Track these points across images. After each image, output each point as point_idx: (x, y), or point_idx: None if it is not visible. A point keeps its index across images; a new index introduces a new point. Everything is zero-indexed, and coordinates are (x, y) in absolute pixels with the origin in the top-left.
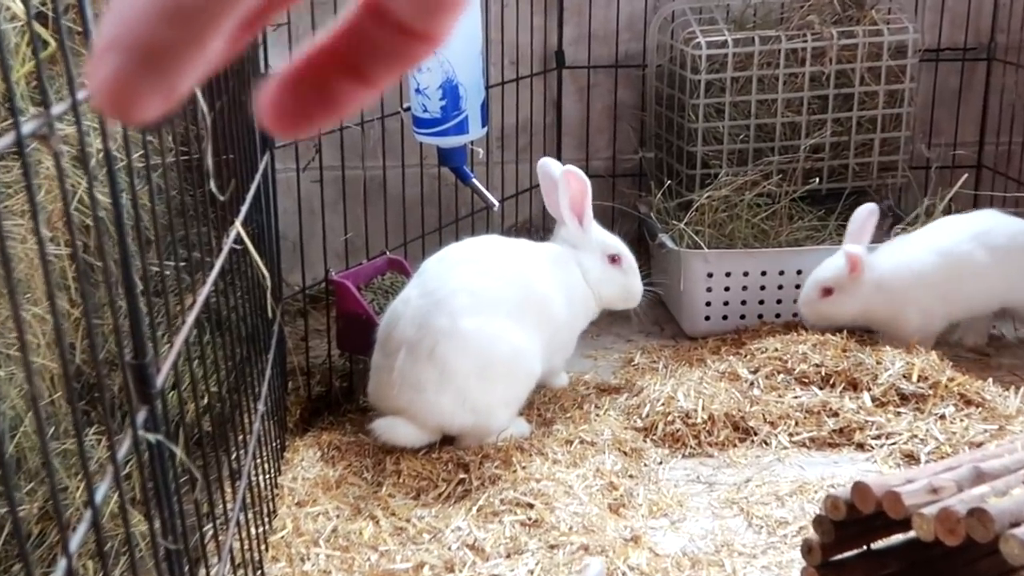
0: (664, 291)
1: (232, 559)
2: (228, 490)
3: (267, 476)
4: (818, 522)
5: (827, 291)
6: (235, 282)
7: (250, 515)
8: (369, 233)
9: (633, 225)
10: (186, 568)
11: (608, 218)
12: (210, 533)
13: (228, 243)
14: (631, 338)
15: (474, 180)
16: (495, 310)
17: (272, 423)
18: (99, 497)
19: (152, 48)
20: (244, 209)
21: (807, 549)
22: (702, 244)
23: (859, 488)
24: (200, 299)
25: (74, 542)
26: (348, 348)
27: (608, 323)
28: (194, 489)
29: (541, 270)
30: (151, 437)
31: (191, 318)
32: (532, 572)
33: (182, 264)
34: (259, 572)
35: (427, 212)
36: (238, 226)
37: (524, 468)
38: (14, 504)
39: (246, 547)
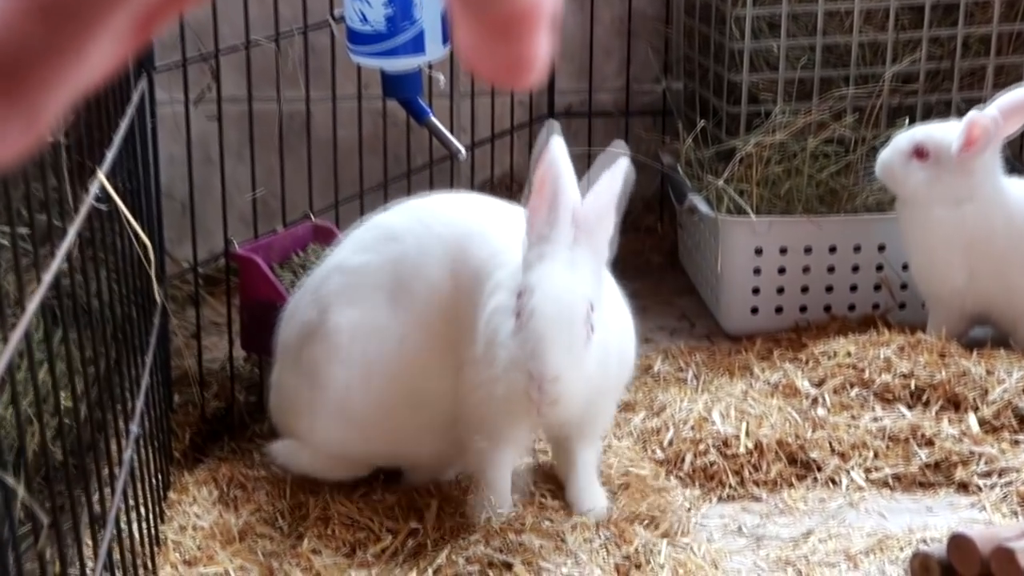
0: (696, 273)
1: None
2: (89, 542)
3: (144, 524)
4: None
5: (921, 152)
6: (99, 256)
7: None
8: (287, 190)
9: (653, 182)
10: None
11: None
12: None
13: (88, 201)
14: (649, 336)
15: (433, 118)
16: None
17: (152, 451)
18: None
19: (9, 54)
20: (111, 154)
21: None
22: (748, 209)
23: (959, 543)
24: (47, 278)
25: None
26: (256, 348)
27: None
28: (38, 541)
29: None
30: None
31: (33, 304)
32: None
33: (23, 231)
34: None
35: (368, 162)
36: (102, 177)
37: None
38: None
39: None
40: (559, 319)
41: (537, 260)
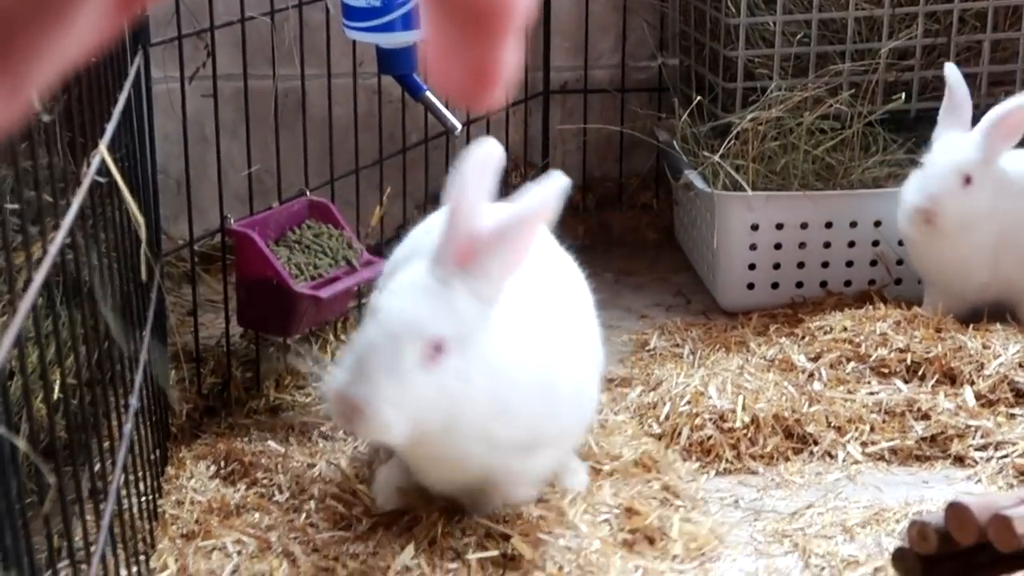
0: (692, 249)
1: None
2: (89, 518)
3: (142, 498)
4: (900, 558)
5: (968, 179)
6: (97, 233)
7: (119, 551)
8: (282, 167)
9: (649, 158)
10: None
11: (615, 148)
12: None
13: (89, 174)
14: (645, 313)
15: (429, 94)
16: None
17: (149, 426)
18: None
19: None
20: (110, 129)
21: None
22: (745, 184)
23: (956, 511)
24: (53, 249)
25: None
26: (253, 324)
27: (614, 293)
28: (43, 505)
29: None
30: None
31: (39, 277)
32: None
33: (16, 208)
34: None
35: (363, 139)
36: (103, 151)
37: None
38: None
39: None
40: (369, 342)
41: (398, 279)
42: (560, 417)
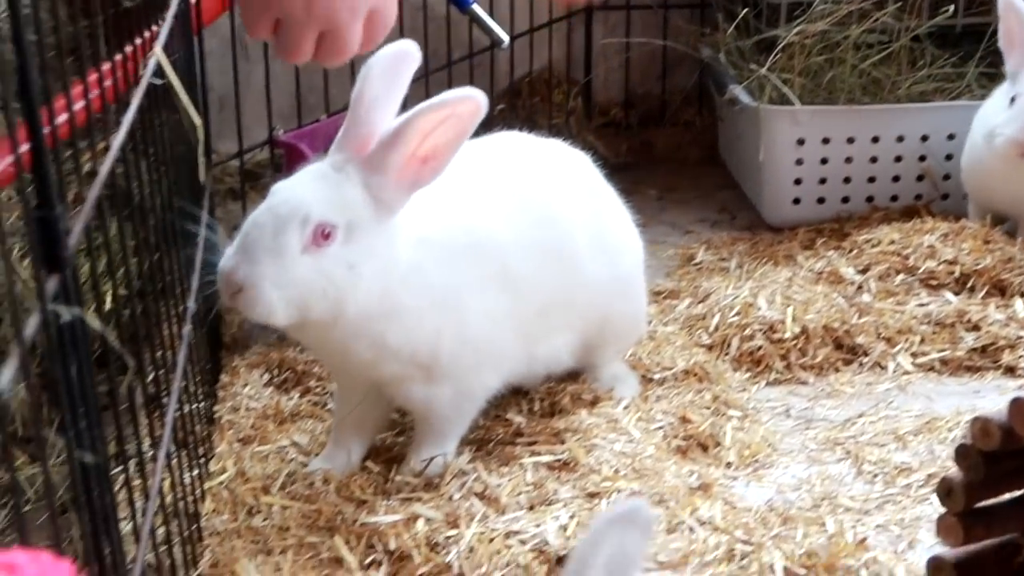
0: (736, 166)
1: (163, 505)
2: (147, 423)
3: (198, 404)
4: (962, 454)
5: None
6: (155, 134)
7: (180, 454)
8: (329, 84)
9: (692, 74)
10: (107, 498)
11: (658, 64)
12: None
13: (146, 76)
14: (690, 228)
15: (475, 7)
16: None
17: (202, 335)
18: (3, 382)
19: None
20: (164, 32)
21: (946, 491)
22: (792, 98)
23: (1020, 407)
24: (113, 149)
25: None
26: None
27: (657, 209)
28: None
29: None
30: (64, 311)
31: (108, 163)
32: (565, 528)
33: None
34: (195, 526)
35: None
36: (159, 52)
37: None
38: None
39: (178, 495)
40: (257, 223)
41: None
42: (461, 347)
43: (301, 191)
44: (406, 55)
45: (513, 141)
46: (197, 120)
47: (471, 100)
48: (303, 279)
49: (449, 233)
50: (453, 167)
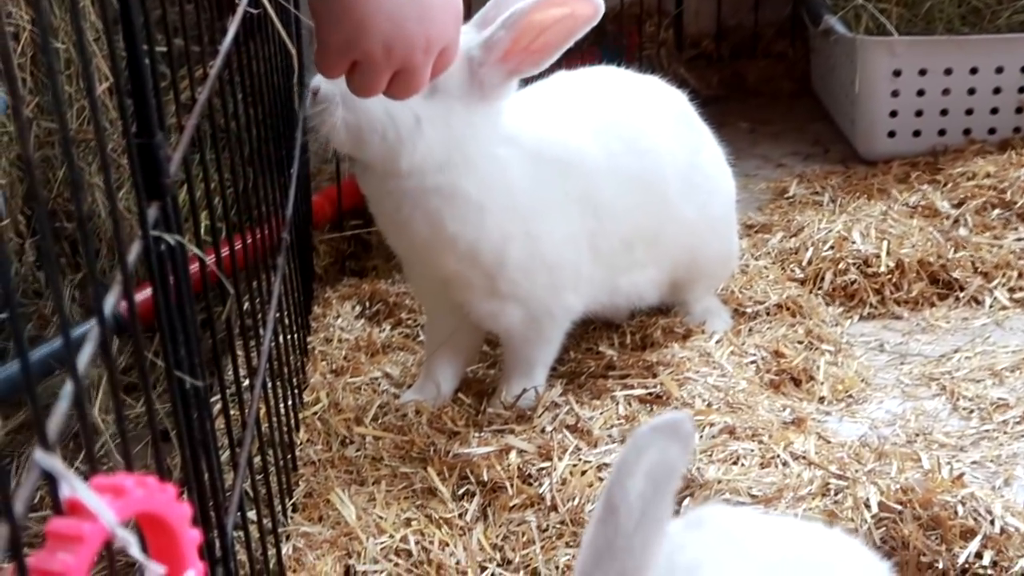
0: (829, 98)
1: (260, 435)
2: (240, 353)
3: (291, 334)
4: None
5: None
6: (251, 63)
7: (275, 384)
8: None
9: (785, 5)
10: (207, 423)
11: None
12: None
13: (242, 4)
14: (782, 162)
15: None
16: None
17: (296, 265)
18: (107, 308)
19: None
20: None
21: None
22: (889, 27)
23: None
24: (213, 74)
25: (82, 360)
26: None
27: (749, 142)
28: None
29: None
30: (169, 238)
31: (205, 92)
32: None
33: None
34: (290, 456)
35: None
36: None
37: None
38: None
39: (273, 425)
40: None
41: None
42: (530, 261)
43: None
44: None
45: (610, 74)
46: (292, 49)
47: (591, 3)
48: (368, 109)
49: (540, 143)
50: (553, 90)
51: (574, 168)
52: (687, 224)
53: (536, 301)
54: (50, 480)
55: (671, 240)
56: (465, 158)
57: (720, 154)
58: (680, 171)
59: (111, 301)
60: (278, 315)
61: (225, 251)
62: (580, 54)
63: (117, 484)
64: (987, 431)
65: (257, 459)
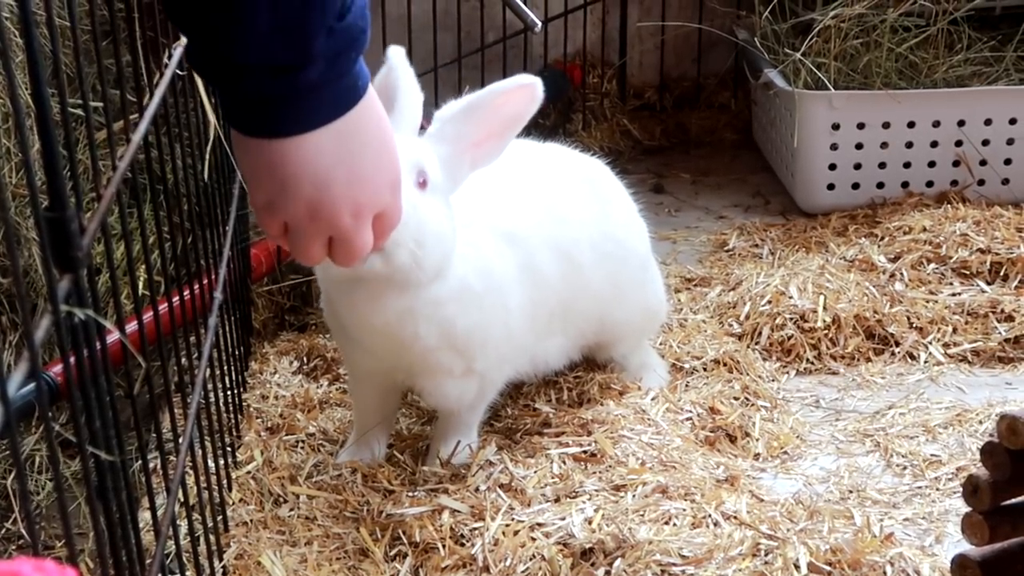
0: (770, 150)
1: (185, 496)
2: (178, 412)
3: (227, 392)
4: (988, 452)
5: None
6: (175, 128)
7: (206, 443)
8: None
9: (727, 57)
10: (123, 495)
11: (693, 47)
12: (152, 465)
13: (171, 68)
14: (724, 214)
15: None
16: None
17: (232, 322)
18: (11, 390)
19: None
20: None
21: (972, 489)
22: (827, 82)
23: None
24: (136, 139)
25: None
26: None
27: (691, 193)
28: (130, 397)
29: None
30: (79, 312)
31: (125, 161)
32: (591, 521)
33: (98, 105)
34: (220, 516)
35: (441, 38)
36: (184, 44)
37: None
38: None
39: (203, 484)
40: None
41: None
42: (504, 338)
43: (408, 141)
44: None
45: (518, 145)
46: (212, 118)
47: (529, 88)
48: (423, 219)
49: (491, 219)
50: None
51: (519, 240)
52: (596, 292)
53: (492, 372)
54: None
55: (580, 308)
56: (460, 251)
57: (633, 214)
58: (591, 240)
59: (17, 379)
60: (211, 374)
61: (149, 315)
62: None
63: (14, 570)
64: (919, 488)
65: (186, 521)
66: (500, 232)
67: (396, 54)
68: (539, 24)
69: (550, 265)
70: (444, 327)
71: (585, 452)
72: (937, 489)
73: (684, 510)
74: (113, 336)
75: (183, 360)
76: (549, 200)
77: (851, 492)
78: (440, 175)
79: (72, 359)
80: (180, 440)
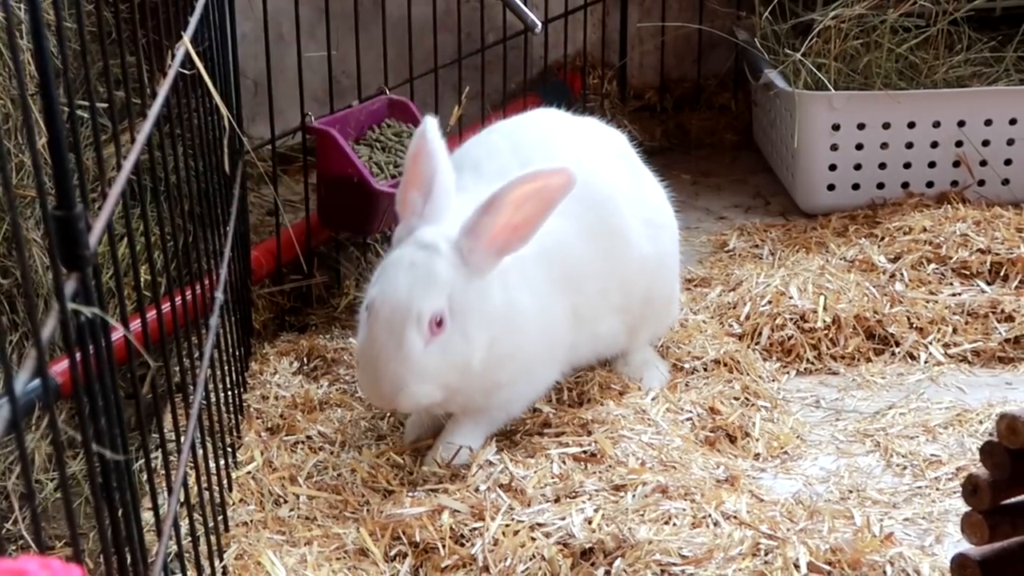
0: (771, 151)
1: (187, 496)
2: (180, 413)
3: (227, 392)
4: (988, 452)
5: None
6: (183, 125)
7: (207, 443)
8: (362, 68)
9: (727, 58)
10: (127, 494)
11: (694, 48)
12: (154, 466)
13: (174, 66)
14: (724, 215)
15: None
16: None
17: (233, 323)
18: (17, 388)
19: None
20: (194, 21)
21: (972, 489)
22: (827, 83)
23: None
24: (141, 139)
25: None
26: (333, 223)
27: (691, 194)
28: (133, 397)
29: None
30: (85, 311)
31: (130, 161)
32: (590, 521)
33: (103, 107)
34: (221, 516)
35: (442, 39)
36: (187, 42)
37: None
38: None
39: (203, 484)
40: (377, 340)
41: (388, 259)
42: (545, 351)
43: (404, 294)
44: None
45: (549, 121)
46: (224, 110)
47: (563, 173)
48: (438, 367)
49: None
50: (501, 159)
51: (551, 251)
52: (645, 260)
53: (531, 383)
54: None
55: (635, 278)
56: (500, 320)
57: (662, 191)
58: (634, 209)
59: (23, 378)
60: (212, 373)
61: (152, 314)
62: (523, 101)
63: (20, 568)
64: (920, 488)
65: (187, 521)
66: (529, 257)
67: (431, 128)
68: (539, 25)
69: (592, 255)
70: (488, 388)
71: (585, 452)
72: (937, 489)
73: (684, 510)
74: (116, 335)
75: (184, 361)
76: (586, 184)
77: (851, 492)
78: (461, 277)
79: (79, 357)
80: (182, 440)
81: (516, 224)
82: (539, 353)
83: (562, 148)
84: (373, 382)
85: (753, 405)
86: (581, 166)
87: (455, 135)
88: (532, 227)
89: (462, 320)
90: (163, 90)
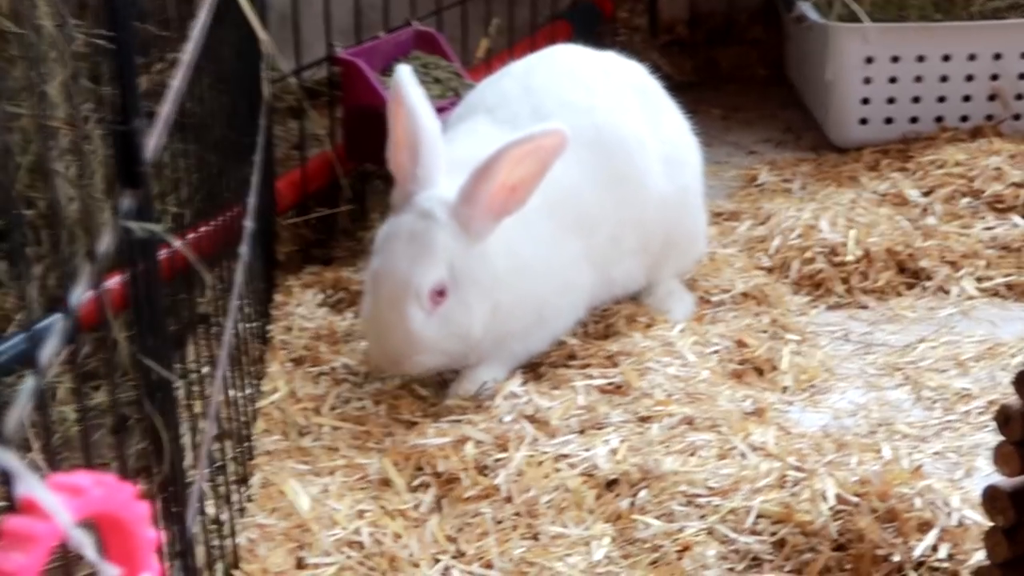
0: (802, 85)
1: (219, 424)
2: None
3: (251, 323)
4: (1021, 382)
5: None
6: (220, 47)
7: (235, 373)
8: (390, 1)
9: None
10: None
11: None
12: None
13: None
14: (754, 149)
15: None
16: None
17: (257, 255)
18: (72, 300)
19: None
20: None
21: (1004, 419)
22: (861, 14)
23: None
24: (191, 47)
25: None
26: (359, 156)
27: (721, 129)
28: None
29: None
30: (139, 228)
31: (179, 78)
32: (615, 452)
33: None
34: (246, 444)
35: None
36: None
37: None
38: None
39: (230, 416)
40: (379, 317)
41: (385, 231)
42: (557, 299)
43: (404, 267)
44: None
45: (564, 62)
46: (263, 35)
47: (556, 134)
48: (440, 337)
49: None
50: (514, 105)
51: (559, 200)
52: (664, 199)
53: (549, 325)
54: (6, 478)
55: (653, 219)
56: (501, 283)
57: (685, 124)
58: (650, 149)
59: (79, 292)
60: (239, 303)
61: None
62: (551, 28)
63: (75, 483)
64: (949, 422)
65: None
66: (533, 208)
67: (406, 80)
68: None
69: (605, 199)
70: (498, 342)
71: (611, 384)
72: (968, 423)
73: (710, 442)
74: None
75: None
76: (597, 130)
77: (880, 426)
78: (460, 245)
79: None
80: (211, 369)
81: (512, 186)
82: (552, 300)
83: (574, 92)
84: (379, 353)
85: (781, 338)
86: (592, 112)
87: (483, 65)
88: (528, 188)
89: (463, 289)
90: (203, 12)
